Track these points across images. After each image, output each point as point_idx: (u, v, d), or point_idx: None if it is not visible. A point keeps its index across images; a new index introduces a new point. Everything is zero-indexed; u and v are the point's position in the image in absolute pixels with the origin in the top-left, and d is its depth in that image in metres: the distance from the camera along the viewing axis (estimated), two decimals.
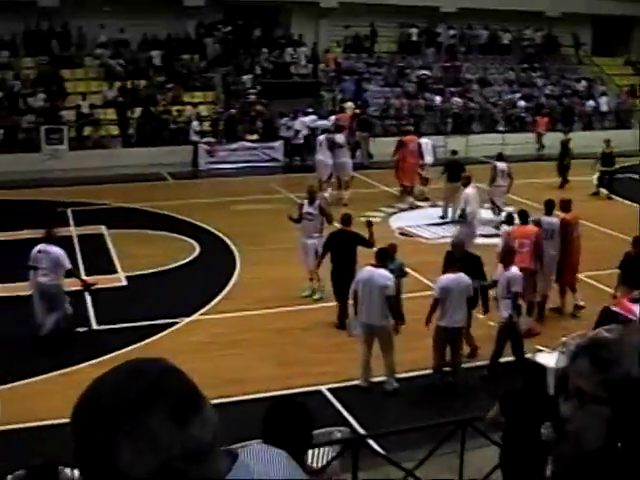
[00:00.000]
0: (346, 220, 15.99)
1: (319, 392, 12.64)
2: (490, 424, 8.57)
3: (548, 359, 10.62)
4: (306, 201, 17.31)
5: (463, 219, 19.64)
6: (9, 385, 12.89)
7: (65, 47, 37.01)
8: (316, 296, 16.94)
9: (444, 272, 13.46)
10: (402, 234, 22.24)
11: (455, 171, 23.04)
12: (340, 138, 27.12)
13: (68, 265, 14.89)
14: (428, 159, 26.95)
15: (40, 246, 14.91)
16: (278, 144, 33.60)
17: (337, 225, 16.69)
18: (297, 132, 33.17)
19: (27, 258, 15.68)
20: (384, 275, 12.82)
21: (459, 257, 13.74)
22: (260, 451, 1.91)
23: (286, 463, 1.92)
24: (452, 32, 43.38)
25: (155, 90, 35.67)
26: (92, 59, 36.92)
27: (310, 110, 34.24)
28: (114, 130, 34.05)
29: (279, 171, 32.17)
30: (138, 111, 34.20)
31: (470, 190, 19.60)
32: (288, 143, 33.46)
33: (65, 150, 32.15)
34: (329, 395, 12.61)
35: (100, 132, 33.75)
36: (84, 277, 16.19)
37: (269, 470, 1.86)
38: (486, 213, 22.77)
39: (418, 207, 25.65)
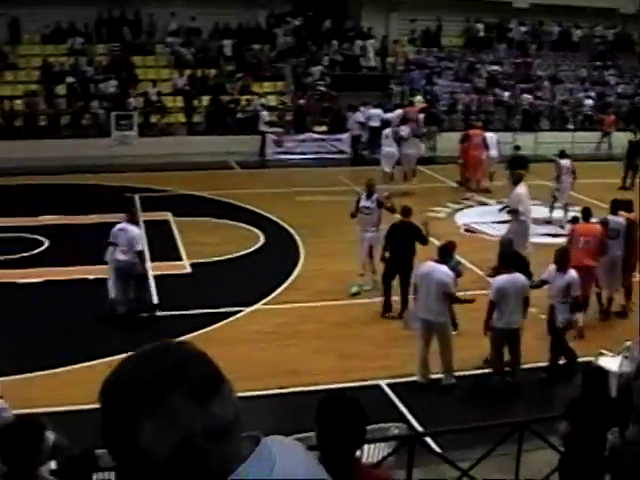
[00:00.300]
0: (406, 212, 15.99)
1: (378, 387, 12.63)
2: (563, 438, 8.42)
3: (611, 363, 10.50)
4: (364, 195, 17.28)
5: (510, 212, 19.12)
6: (78, 365, 13.13)
7: (137, 34, 37.42)
8: (354, 289, 16.86)
9: (497, 272, 13.32)
10: (467, 230, 22.11)
11: (518, 167, 22.80)
12: (405, 130, 27.24)
13: (139, 247, 15.23)
14: (493, 153, 26.83)
15: (121, 224, 15.43)
16: (346, 136, 33.62)
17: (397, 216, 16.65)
18: (362, 124, 33.15)
19: (94, 242, 16.02)
20: (444, 271, 12.75)
21: (506, 255, 13.61)
22: (281, 438, 1.94)
23: (303, 450, 1.96)
24: (523, 28, 42.95)
25: (225, 79, 35.90)
26: (163, 47, 37.28)
27: (376, 103, 34.19)
28: (183, 118, 34.36)
29: (346, 163, 32.14)
30: (206, 99, 34.48)
31: (521, 189, 19.10)
32: (353, 136, 33.45)
33: (134, 136, 32.53)
34: (388, 390, 12.58)
35: (168, 119, 34.08)
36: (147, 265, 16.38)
37: (290, 454, 1.88)
38: (544, 211, 22.66)
39: (482, 203, 25.43)
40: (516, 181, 19.25)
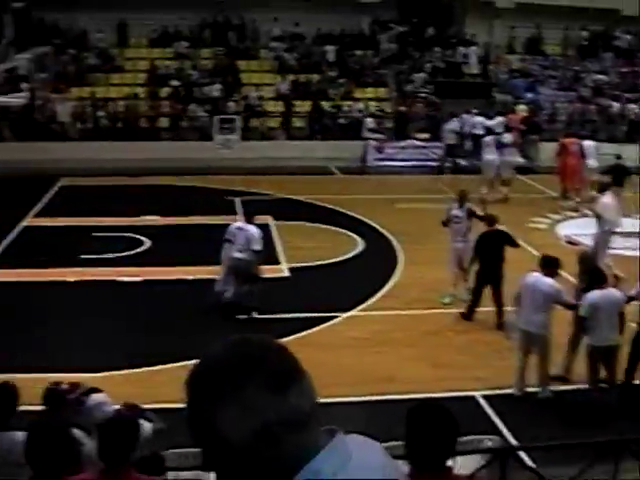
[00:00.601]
0: (492, 220, 15.96)
1: (472, 398, 12.51)
2: None
3: None
4: (455, 204, 17.17)
5: (595, 217, 18.68)
6: (174, 364, 13.21)
7: (241, 39, 37.88)
8: (447, 300, 16.73)
9: (585, 288, 12.95)
10: (569, 242, 21.72)
11: (620, 176, 22.33)
12: (507, 138, 27.08)
13: (257, 247, 15.58)
14: (591, 162, 26.31)
15: (239, 223, 16.04)
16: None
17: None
18: (457, 133, 32.87)
19: (195, 243, 16.18)
20: (549, 283, 12.54)
21: (591, 271, 13.22)
22: (356, 436, 1.97)
23: (380, 449, 1.98)
24: (629, 37, 42.05)
25: (327, 85, 36.07)
26: (267, 52, 37.65)
27: (475, 111, 33.87)
28: (285, 122, 34.59)
29: (447, 171, 31.94)
30: (308, 105, 34.69)
31: (607, 198, 18.52)
32: (447, 145, 33.13)
33: (236, 140, 32.89)
34: (482, 401, 12.45)
35: (270, 124, 34.37)
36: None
37: (366, 451, 1.92)
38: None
39: (582, 212, 24.93)
40: (602, 189, 18.76)
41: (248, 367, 1.82)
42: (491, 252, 15.43)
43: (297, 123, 34.83)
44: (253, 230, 15.65)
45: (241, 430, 1.79)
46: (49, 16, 36.55)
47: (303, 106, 34.91)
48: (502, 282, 15.16)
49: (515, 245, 15.58)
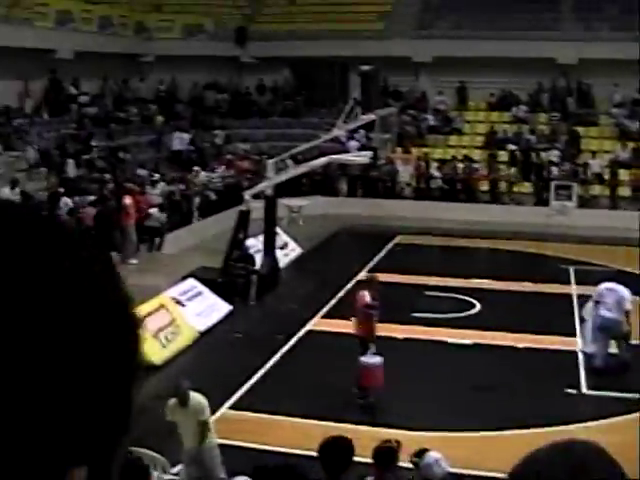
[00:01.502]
0: None
1: None
2: None
3: None
4: None
5: None
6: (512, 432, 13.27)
7: (580, 105, 37.43)
8: None
9: None
10: None
11: None
12: None
13: (628, 306, 16.00)
14: None
15: (609, 284, 16.43)
16: None
17: None
18: None
19: (524, 310, 16.01)
20: None
21: None
22: None
23: None
24: None
25: None
26: (607, 118, 36.92)
27: None
28: (625, 192, 33.61)
29: None
30: None
31: None
32: None
33: (573, 207, 32.35)
34: None
35: (609, 192, 33.53)
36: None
37: None
38: None
39: None
40: None
41: (573, 474, 1.77)
42: None
43: (634, 192, 33.68)
44: (624, 292, 16.00)
45: None
46: (392, 79, 38.07)
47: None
48: None
49: None
